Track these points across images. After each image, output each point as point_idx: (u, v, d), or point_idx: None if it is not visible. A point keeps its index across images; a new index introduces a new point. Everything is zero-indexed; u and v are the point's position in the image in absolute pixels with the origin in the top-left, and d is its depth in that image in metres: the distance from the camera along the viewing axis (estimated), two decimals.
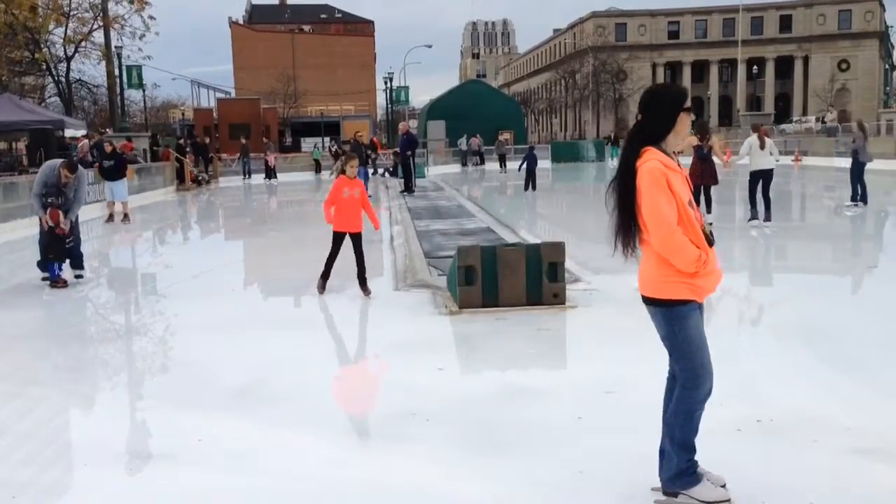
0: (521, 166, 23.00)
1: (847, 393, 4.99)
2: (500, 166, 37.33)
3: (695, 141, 12.93)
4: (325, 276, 8.33)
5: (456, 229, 13.26)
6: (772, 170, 13.30)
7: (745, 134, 50.24)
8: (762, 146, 13.08)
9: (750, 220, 13.30)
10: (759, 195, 13.25)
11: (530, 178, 22.46)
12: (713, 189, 13.38)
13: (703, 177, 12.96)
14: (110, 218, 17.22)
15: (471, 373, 5.85)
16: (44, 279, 9.47)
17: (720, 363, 5.63)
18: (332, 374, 5.71)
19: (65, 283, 9.31)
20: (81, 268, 9.73)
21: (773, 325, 6.85)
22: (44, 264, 9.50)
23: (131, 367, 6.43)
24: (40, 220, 9.42)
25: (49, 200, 9.26)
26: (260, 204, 24.89)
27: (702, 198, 13.00)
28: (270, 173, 33.58)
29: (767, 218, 13.23)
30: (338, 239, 8.18)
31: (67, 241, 9.44)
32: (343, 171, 8.23)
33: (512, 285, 7.23)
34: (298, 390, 5.37)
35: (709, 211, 13.39)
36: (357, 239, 8.21)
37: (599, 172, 35.40)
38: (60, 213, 9.24)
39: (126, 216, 17.30)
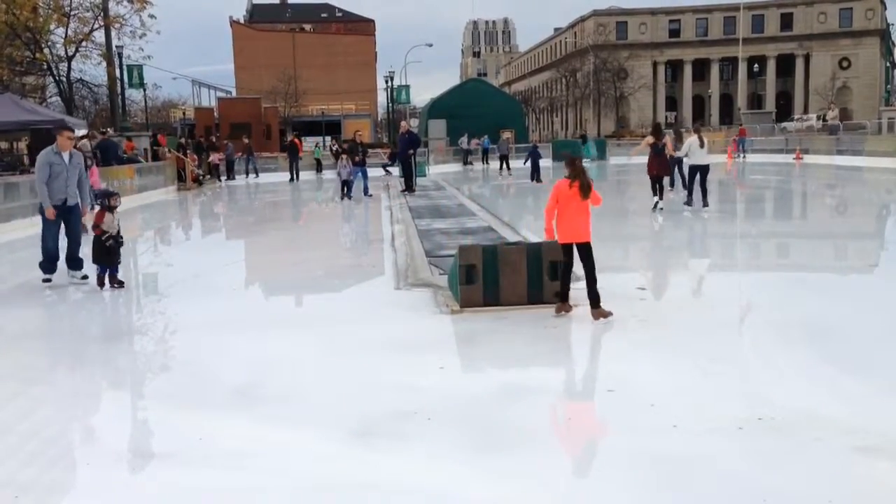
0: (525, 161, 27.45)
1: (849, 391, 4.98)
2: (501, 168, 34.15)
3: (651, 139, 15.68)
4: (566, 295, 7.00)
5: (457, 228, 13.26)
6: (708, 165, 15.48)
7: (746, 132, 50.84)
8: (701, 145, 15.27)
9: (685, 203, 15.55)
10: (697, 185, 15.43)
11: (535, 172, 26.09)
12: (665, 179, 15.88)
13: (658, 169, 15.38)
14: None
15: (472, 372, 5.84)
16: (44, 280, 9.36)
17: (721, 361, 5.66)
18: (332, 373, 5.71)
19: (121, 285, 8.90)
20: (81, 268, 9.58)
21: (775, 323, 6.83)
22: (46, 265, 9.37)
23: (132, 366, 6.43)
24: (43, 215, 9.21)
25: (101, 201, 8.90)
26: (261, 203, 24.89)
27: (656, 187, 15.40)
28: (227, 172, 32.91)
29: (705, 204, 15.18)
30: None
31: (118, 239, 8.89)
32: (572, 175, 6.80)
33: (513, 284, 7.23)
34: (299, 389, 5.37)
35: (661, 197, 15.55)
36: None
37: (600, 171, 35.38)
38: (108, 213, 8.83)
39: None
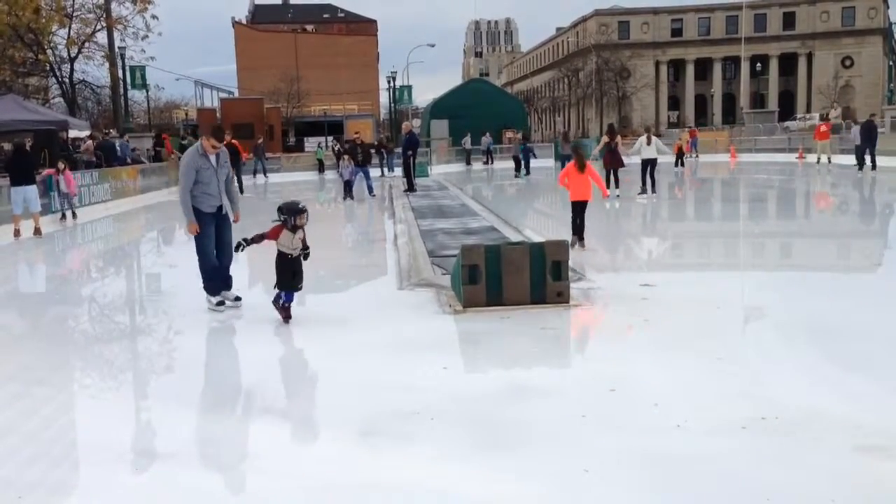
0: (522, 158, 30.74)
1: (853, 390, 4.97)
2: (469, 165, 34.32)
3: (606, 139, 18.80)
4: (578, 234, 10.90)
5: (460, 228, 13.25)
6: (655, 158, 18.79)
7: (748, 132, 51.09)
8: (648, 143, 18.66)
9: (639, 193, 18.51)
10: (647, 176, 18.58)
11: (523, 165, 30.21)
12: (620, 171, 18.54)
13: (612, 163, 18.30)
14: (17, 233, 14.50)
15: (475, 371, 5.85)
16: (218, 304, 7.86)
17: (725, 361, 5.65)
18: (335, 373, 5.71)
19: (288, 317, 7.23)
20: (231, 287, 8.17)
21: (778, 322, 6.83)
22: (213, 286, 7.92)
23: (136, 367, 6.44)
24: (192, 227, 7.85)
25: (284, 218, 7.25)
26: (265, 203, 24.88)
27: (611, 178, 18.14)
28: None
29: (653, 191, 18.56)
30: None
31: (304, 252, 7.32)
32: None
33: (516, 284, 7.23)
34: (302, 389, 5.38)
35: (617, 186, 18.49)
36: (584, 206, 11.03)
37: (602, 170, 35.35)
38: (286, 231, 7.25)
39: (38, 230, 14.98)
